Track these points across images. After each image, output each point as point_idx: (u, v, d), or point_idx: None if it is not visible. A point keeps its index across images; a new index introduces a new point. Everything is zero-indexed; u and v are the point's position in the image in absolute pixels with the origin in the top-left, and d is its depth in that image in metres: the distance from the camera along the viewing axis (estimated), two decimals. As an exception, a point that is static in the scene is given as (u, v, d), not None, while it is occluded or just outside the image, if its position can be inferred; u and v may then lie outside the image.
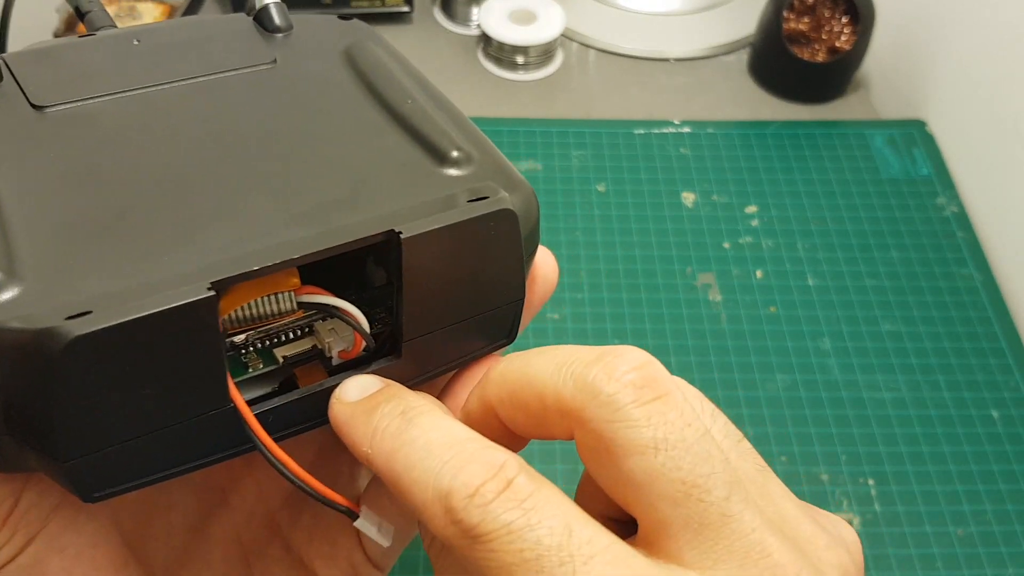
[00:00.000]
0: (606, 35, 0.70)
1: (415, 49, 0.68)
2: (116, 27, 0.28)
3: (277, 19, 0.27)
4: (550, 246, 0.24)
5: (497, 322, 0.23)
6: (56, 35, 0.62)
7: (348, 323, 0.21)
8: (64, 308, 0.17)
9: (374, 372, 0.22)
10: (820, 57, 0.64)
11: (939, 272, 0.55)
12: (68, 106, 0.23)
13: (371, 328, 0.22)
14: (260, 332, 0.21)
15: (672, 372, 0.19)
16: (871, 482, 0.45)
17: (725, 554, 0.17)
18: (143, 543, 0.24)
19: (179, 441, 0.20)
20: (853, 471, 0.46)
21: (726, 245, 0.56)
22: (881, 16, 0.63)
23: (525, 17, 0.66)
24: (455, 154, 0.23)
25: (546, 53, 0.67)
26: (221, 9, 0.70)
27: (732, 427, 0.20)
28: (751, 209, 0.58)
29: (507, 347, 0.24)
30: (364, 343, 0.21)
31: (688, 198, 0.58)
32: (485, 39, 0.67)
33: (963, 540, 0.43)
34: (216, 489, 0.26)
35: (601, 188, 0.58)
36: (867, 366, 0.50)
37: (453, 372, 0.24)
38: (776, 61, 0.65)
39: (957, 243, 0.56)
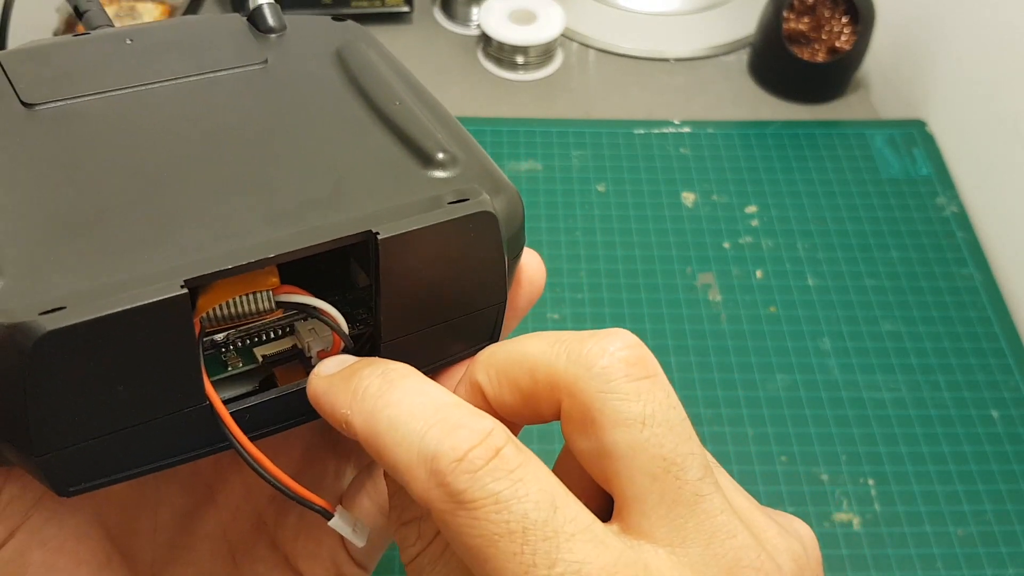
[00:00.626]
0: (606, 35, 0.70)
1: (415, 49, 0.68)
2: (113, 26, 0.28)
3: (270, 19, 0.28)
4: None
5: (478, 325, 0.23)
6: (56, 34, 0.62)
7: (326, 323, 0.21)
8: (39, 304, 0.17)
9: None
10: (820, 57, 0.64)
11: (939, 272, 0.55)
12: (58, 104, 0.23)
13: (353, 329, 0.22)
14: (240, 331, 0.21)
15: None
16: (871, 482, 0.45)
17: (694, 532, 0.18)
18: (129, 538, 0.24)
19: (155, 437, 0.20)
20: (853, 471, 0.45)
21: (726, 245, 0.56)
22: (881, 16, 0.63)
23: (525, 17, 0.66)
24: (440, 156, 0.23)
25: (546, 53, 0.67)
26: (221, 9, 0.70)
27: None
28: (751, 209, 0.58)
29: None
30: (343, 343, 0.22)
31: (688, 198, 0.58)
32: (485, 39, 0.67)
33: (963, 540, 0.43)
34: (203, 486, 0.26)
35: (601, 188, 0.58)
36: (867, 366, 0.50)
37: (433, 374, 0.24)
38: (776, 61, 0.65)
39: (957, 243, 0.56)
